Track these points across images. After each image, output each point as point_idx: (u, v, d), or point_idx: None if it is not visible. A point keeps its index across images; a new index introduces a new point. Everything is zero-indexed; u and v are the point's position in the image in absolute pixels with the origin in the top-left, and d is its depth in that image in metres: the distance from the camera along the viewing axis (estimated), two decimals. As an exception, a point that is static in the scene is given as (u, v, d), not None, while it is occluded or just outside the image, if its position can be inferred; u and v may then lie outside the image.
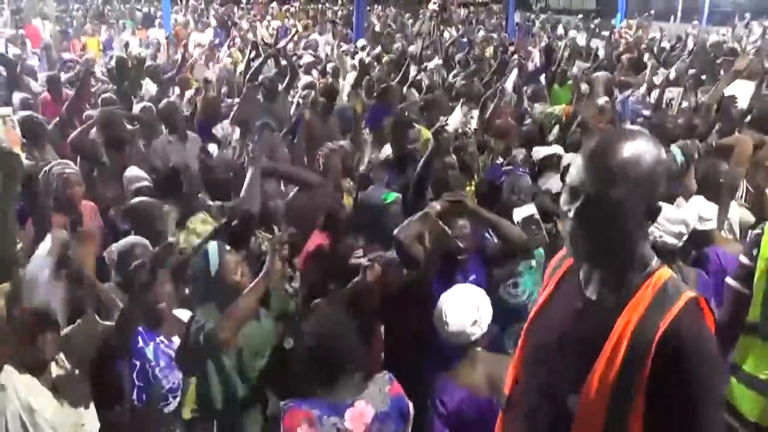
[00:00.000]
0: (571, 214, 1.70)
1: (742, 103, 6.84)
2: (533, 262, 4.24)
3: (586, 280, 1.81)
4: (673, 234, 3.43)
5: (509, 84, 7.77)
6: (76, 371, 3.05)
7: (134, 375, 3.25)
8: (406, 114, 7.05)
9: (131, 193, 4.80)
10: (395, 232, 3.67)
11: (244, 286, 3.29)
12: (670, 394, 1.60)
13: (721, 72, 9.46)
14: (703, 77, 9.52)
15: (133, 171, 5.06)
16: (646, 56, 12.20)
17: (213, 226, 4.44)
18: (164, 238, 4.12)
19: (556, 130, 7.12)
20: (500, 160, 5.96)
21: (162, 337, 3.40)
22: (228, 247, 3.47)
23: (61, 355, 3.01)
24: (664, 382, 1.60)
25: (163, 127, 6.54)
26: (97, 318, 3.10)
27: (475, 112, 6.98)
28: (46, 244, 3.04)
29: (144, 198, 4.47)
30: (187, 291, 3.85)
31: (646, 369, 1.60)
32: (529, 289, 4.23)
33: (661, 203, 1.68)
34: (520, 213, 3.99)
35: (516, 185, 4.41)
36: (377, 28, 18.38)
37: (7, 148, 3.48)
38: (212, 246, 3.43)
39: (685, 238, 3.52)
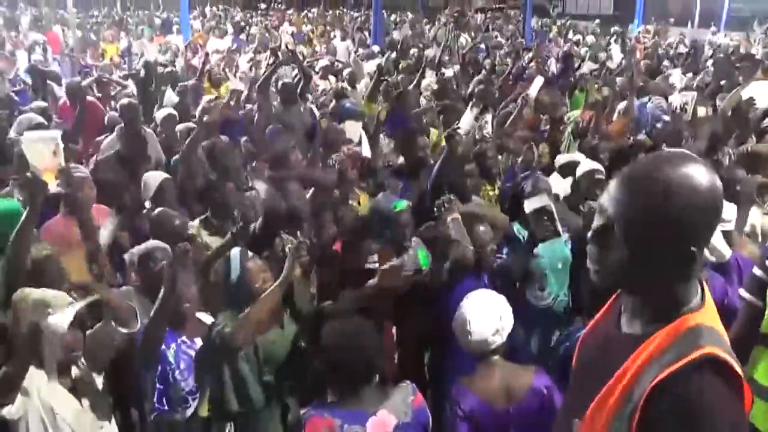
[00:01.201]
0: (589, 234, 1.61)
1: (761, 104, 6.78)
2: (559, 264, 4.24)
3: (624, 308, 1.69)
4: (705, 260, 3.47)
5: (533, 92, 7.75)
6: (95, 375, 3.07)
7: (155, 378, 3.28)
8: (422, 119, 7.08)
9: (151, 192, 4.86)
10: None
11: (263, 292, 3.32)
12: None
13: (739, 77, 9.38)
14: (722, 83, 9.45)
15: (150, 174, 5.12)
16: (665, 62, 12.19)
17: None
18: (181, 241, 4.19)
19: (568, 131, 7.10)
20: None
21: (184, 338, 3.42)
22: (250, 254, 3.49)
23: (82, 359, 3.04)
24: None
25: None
26: (114, 325, 3.12)
27: (489, 116, 6.98)
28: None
29: (159, 209, 4.52)
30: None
31: (635, 418, 1.48)
32: (555, 292, 4.23)
33: (696, 248, 1.50)
34: (530, 204, 3.95)
35: (536, 185, 4.42)
36: (396, 35, 18.41)
37: (37, 175, 3.55)
38: (234, 252, 3.46)
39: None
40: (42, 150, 3.69)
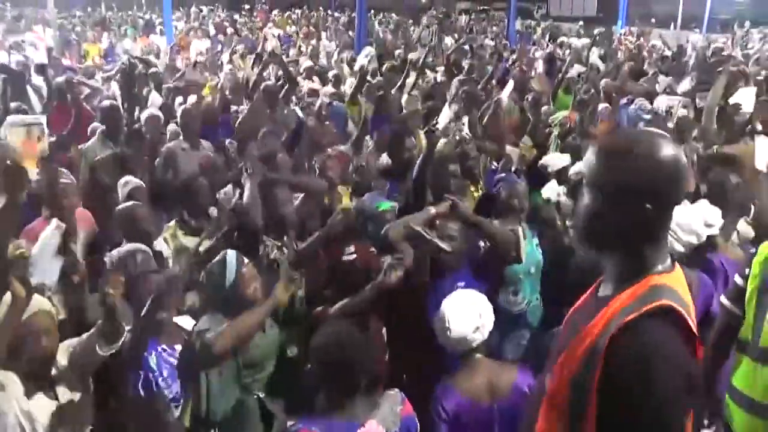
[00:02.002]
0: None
1: (747, 110, 6.86)
2: (532, 269, 4.24)
3: (603, 277, 1.83)
4: (683, 242, 3.46)
5: (505, 94, 7.79)
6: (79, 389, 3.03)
7: (138, 385, 3.22)
8: (408, 122, 7.07)
9: (125, 197, 4.81)
10: (386, 227, 3.71)
11: (255, 300, 3.30)
12: (613, 398, 1.58)
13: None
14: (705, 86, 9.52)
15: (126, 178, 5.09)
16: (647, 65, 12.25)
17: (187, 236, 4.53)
18: (151, 240, 4.19)
19: (555, 133, 7.12)
20: (495, 164, 5.98)
21: (164, 346, 3.37)
22: (245, 260, 3.45)
23: (63, 363, 3.00)
24: (610, 386, 1.59)
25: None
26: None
27: (466, 118, 6.95)
28: (48, 231, 3.04)
29: (128, 203, 4.49)
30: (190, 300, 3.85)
31: (598, 367, 1.60)
32: (528, 296, 4.23)
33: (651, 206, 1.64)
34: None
35: (513, 192, 4.40)
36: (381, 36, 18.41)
37: (15, 162, 3.42)
38: (231, 255, 3.40)
39: (693, 246, 3.54)
40: (25, 135, 3.57)
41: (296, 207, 4.64)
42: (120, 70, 9.18)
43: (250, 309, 3.24)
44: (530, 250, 4.26)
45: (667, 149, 1.65)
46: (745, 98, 7.08)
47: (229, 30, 19.73)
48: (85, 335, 3.04)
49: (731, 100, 7.08)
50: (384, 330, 3.90)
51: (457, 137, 5.97)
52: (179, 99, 8.37)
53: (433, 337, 3.16)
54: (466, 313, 3.01)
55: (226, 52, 13.47)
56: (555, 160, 5.69)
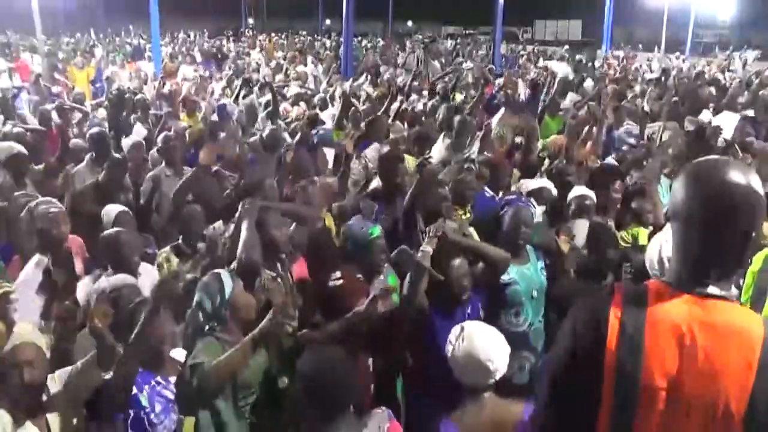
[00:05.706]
0: None
1: (727, 134, 6.96)
2: (535, 292, 4.24)
3: None
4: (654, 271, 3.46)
5: (495, 120, 7.84)
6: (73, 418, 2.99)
7: (128, 425, 3.12)
8: (396, 147, 7.09)
9: (110, 224, 4.72)
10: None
11: (249, 318, 3.35)
12: None
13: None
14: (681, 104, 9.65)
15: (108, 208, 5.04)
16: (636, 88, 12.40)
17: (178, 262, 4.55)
18: (135, 266, 4.15)
19: (546, 162, 7.16)
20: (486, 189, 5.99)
21: (159, 378, 3.27)
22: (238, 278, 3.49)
23: (56, 390, 2.95)
24: None
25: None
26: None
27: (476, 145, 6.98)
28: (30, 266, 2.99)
29: (111, 229, 4.44)
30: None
31: None
32: (530, 319, 4.22)
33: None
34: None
35: (520, 217, 4.40)
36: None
37: None
38: (224, 272, 3.46)
39: None
40: None
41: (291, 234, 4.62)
42: (109, 99, 9.22)
43: (243, 327, 3.27)
44: (533, 273, 4.28)
45: (684, 175, 1.78)
46: (727, 122, 7.18)
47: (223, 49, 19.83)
48: (79, 362, 3.01)
49: (713, 122, 7.18)
50: (371, 357, 3.89)
51: (465, 166, 5.98)
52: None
53: (422, 364, 3.12)
54: (496, 345, 2.90)
55: (214, 80, 13.51)
56: (532, 183, 5.75)
